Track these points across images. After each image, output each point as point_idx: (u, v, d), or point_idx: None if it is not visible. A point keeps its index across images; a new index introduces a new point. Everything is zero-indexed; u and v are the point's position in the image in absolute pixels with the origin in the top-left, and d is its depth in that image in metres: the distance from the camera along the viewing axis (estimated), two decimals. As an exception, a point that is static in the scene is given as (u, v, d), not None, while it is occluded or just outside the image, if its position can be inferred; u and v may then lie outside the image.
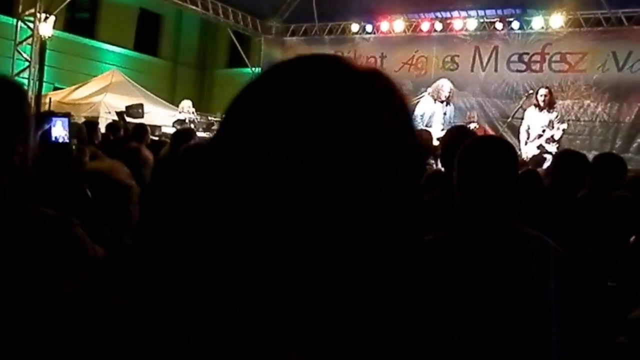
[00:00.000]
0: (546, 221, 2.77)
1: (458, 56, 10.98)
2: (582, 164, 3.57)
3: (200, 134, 7.42)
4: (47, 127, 1.90)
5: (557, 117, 7.82)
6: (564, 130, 7.80)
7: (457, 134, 2.85)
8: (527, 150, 7.90)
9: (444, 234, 1.81)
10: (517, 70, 10.42)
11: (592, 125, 9.53)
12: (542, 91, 7.91)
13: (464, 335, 1.58)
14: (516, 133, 9.67)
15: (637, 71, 9.43)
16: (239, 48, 13.45)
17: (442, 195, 2.72)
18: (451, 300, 1.60)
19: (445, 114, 7.74)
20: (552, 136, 7.68)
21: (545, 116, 7.79)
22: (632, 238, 2.10)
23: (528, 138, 7.93)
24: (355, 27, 12.05)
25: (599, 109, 9.63)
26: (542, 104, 7.77)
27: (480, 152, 1.81)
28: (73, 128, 2.11)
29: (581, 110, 9.50)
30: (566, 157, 3.69)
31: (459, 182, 1.81)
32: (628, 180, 3.63)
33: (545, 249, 1.67)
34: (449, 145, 2.72)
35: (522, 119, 8.45)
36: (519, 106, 9.27)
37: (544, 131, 7.75)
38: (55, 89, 13.10)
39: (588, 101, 9.59)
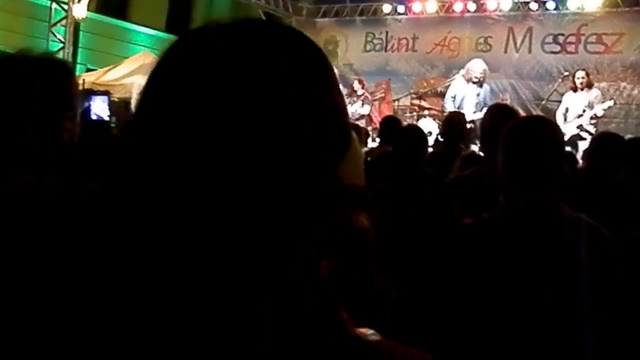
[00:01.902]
0: (581, 202, 2.74)
1: (491, 37, 10.79)
2: (620, 147, 3.51)
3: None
4: (87, 105, 1.94)
5: (596, 97, 7.74)
6: (608, 107, 7.72)
7: (500, 114, 2.80)
8: (566, 130, 7.84)
9: (487, 216, 1.79)
10: (552, 52, 10.20)
11: (628, 108, 9.30)
12: (580, 74, 7.85)
13: (510, 316, 1.58)
14: (550, 116, 9.52)
15: (675, 52, 9.18)
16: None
17: (475, 174, 2.71)
18: (498, 281, 1.61)
19: (478, 95, 7.65)
20: (594, 115, 7.60)
21: (584, 97, 7.73)
22: None
23: (565, 120, 7.88)
24: (387, 7, 11.92)
25: (635, 91, 9.39)
26: (579, 86, 7.71)
27: (529, 132, 1.78)
28: (113, 106, 2.16)
29: (617, 92, 9.25)
30: (603, 140, 3.63)
31: (505, 162, 1.78)
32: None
33: (593, 231, 1.66)
34: (492, 126, 2.68)
35: (559, 102, 8.36)
36: (554, 89, 9.13)
37: (584, 111, 7.67)
38: (88, 70, 13.26)
39: (624, 83, 9.36)
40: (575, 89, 7.85)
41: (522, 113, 9.72)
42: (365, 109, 10.40)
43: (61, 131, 1.32)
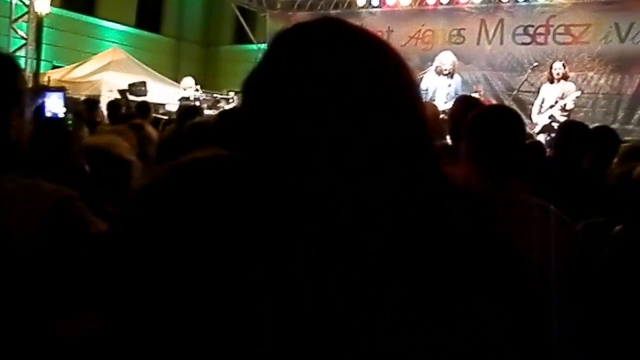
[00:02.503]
0: (549, 191, 2.77)
1: (464, 29, 10.87)
2: (585, 136, 3.57)
3: (206, 111, 7.39)
4: (40, 102, 1.89)
5: (570, 89, 7.90)
6: (576, 97, 7.86)
7: (465, 104, 2.83)
8: (539, 121, 7.99)
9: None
10: (523, 43, 10.32)
11: (595, 97, 9.46)
12: (557, 65, 8.00)
13: None
14: (522, 106, 9.65)
15: (639, 42, 9.34)
16: (244, 24, 13.32)
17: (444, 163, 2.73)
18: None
19: (449, 86, 7.69)
20: (564, 105, 7.73)
21: (559, 88, 7.87)
22: (618, 228, 2.07)
23: (540, 110, 8.02)
24: (361, 1, 11.92)
25: (602, 81, 9.55)
26: (556, 77, 7.86)
27: (491, 120, 1.81)
28: (69, 103, 2.11)
29: (584, 82, 9.39)
30: (569, 129, 3.68)
31: (468, 150, 1.80)
32: (625, 151, 3.61)
33: (553, 217, 1.68)
34: (458, 116, 2.70)
35: (531, 92, 8.45)
36: (524, 79, 9.25)
37: (556, 102, 7.81)
38: (54, 67, 13.02)
39: (591, 73, 9.51)
40: (552, 80, 8.00)
41: (494, 103, 9.91)
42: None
43: (8, 128, 1.28)
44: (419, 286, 0.61)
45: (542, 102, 8.09)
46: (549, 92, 8.06)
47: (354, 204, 0.61)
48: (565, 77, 7.98)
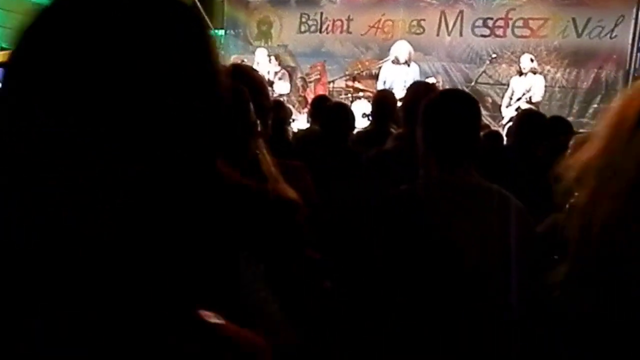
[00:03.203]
0: (506, 178, 2.81)
1: (424, 20, 10.93)
2: (541, 124, 3.64)
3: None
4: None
5: (538, 82, 8.10)
6: (541, 95, 8.06)
7: (420, 89, 2.85)
8: (507, 114, 8.15)
9: (407, 187, 1.83)
10: (482, 35, 10.44)
11: (552, 90, 9.67)
12: (524, 58, 8.21)
13: (432, 280, 1.63)
14: (480, 97, 9.80)
15: (595, 37, 9.59)
16: (201, 9, 13.09)
17: (395, 149, 2.75)
18: (418, 248, 1.65)
19: (406, 75, 7.76)
20: (529, 98, 7.92)
21: (528, 81, 8.05)
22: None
23: (510, 103, 8.20)
24: (322, -12, 11.86)
25: (559, 74, 9.77)
26: (524, 70, 8.06)
27: (446, 105, 1.82)
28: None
29: (542, 75, 9.60)
30: (526, 118, 3.76)
31: (424, 134, 1.82)
32: (578, 142, 3.70)
33: (506, 200, 1.71)
34: (412, 102, 2.72)
35: (488, 84, 8.54)
36: (482, 71, 9.40)
37: (523, 94, 7.99)
38: (2, 49, 12.55)
39: (548, 67, 9.71)
40: (520, 73, 8.22)
41: (450, 88, 10.02)
42: (284, 87, 10.42)
43: None
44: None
45: (512, 95, 8.27)
46: (517, 85, 8.26)
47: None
48: (533, 71, 8.18)
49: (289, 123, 4.80)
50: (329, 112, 3.52)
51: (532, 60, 8.30)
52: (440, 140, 1.74)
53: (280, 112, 3.83)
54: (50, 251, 0.52)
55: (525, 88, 8.14)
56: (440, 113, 1.78)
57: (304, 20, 12.08)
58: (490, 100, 9.97)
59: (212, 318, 0.61)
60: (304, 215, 1.61)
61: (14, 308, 0.51)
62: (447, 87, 10.24)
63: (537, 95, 8.13)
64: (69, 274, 0.52)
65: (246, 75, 2.07)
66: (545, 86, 8.92)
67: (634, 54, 9.32)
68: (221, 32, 12.89)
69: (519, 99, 8.15)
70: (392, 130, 4.09)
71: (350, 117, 3.55)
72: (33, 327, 0.51)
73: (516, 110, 7.97)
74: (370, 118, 4.34)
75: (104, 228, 0.53)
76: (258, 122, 1.58)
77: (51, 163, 0.51)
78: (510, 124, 7.50)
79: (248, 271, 1.28)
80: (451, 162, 1.73)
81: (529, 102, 8.00)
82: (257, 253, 1.34)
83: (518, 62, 8.48)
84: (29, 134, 0.50)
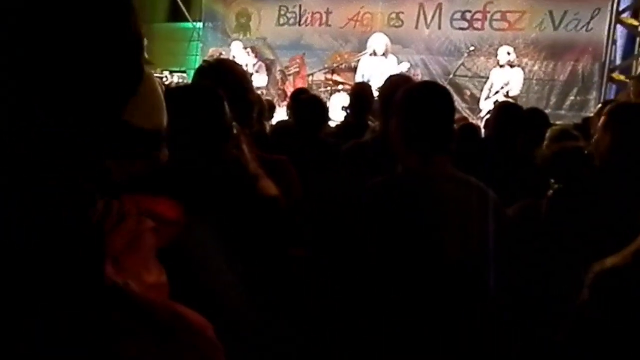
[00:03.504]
0: (483, 170, 2.82)
1: (403, 13, 10.93)
2: (518, 116, 3.66)
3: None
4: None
5: (517, 76, 8.15)
6: (519, 89, 8.12)
7: (395, 82, 2.84)
8: (485, 107, 8.20)
9: (384, 179, 1.83)
10: (460, 28, 10.48)
11: (530, 83, 9.75)
12: (501, 50, 8.26)
13: (412, 270, 1.63)
14: (458, 90, 9.85)
15: (571, 31, 9.68)
16: (179, 1, 12.95)
17: (372, 141, 2.74)
18: (398, 239, 1.66)
19: (384, 67, 7.78)
20: (507, 92, 7.98)
21: (507, 74, 8.10)
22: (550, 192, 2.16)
23: (489, 95, 8.25)
24: (300, -19, 11.79)
25: (536, 67, 9.86)
26: (502, 63, 8.12)
27: (418, 98, 1.82)
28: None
29: (519, 68, 9.68)
30: (503, 110, 3.77)
31: (399, 126, 1.82)
32: (555, 134, 3.73)
33: (480, 192, 1.71)
34: (389, 94, 2.72)
35: (467, 77, 8.60)
36: (460, 64, 9.44)
37: (502, 88, 8.04)
38: None
39: (526, 60, 9.77)
40: (501, 66, 8.28)
41: (425, 81, 10.04)
42: (261, 80, 10.39)
43: None
44: None
45: (491, 88, 8.33)
46: (496, 78, 8.32)
47: None
48: (511, 64, 8.23)
49: (267, 117, 4.76)
50: (302, 105, 3.52)
51: (509, 54, 8.36)
52: (417, 132, 1.74)
53: (258, 106, 3.78)
54: (50, 251, 0.52)
55: (503, 81, 8.20)
56: (417, 105, 1.77)
57: (282, 13, 12.02)
58: (469, 93, 10.02)
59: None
60: (287, 212, 1.59)
61: (14, 308, 0.51)
62: (426, 80, 10.30)
63: (516, 89, 8.18)
64: (69, 274, 0.52)
65: (229, 70, 2.04)
66: (524, 79, 8.99)
67: (610, 47, 9.43)
68: (199, 24, 12.77)
69: (497, 92, 8.21)
70: (371, 123, 4.08)
71: (324, 110, 3.55)
72: (33, 327, 0.51)
73: (494, 103, 8.02)
74: (349, 111, 4.33)
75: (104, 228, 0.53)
76: (235, 124, 1.55)
77: (51, 163, 0.50)
78: (489, 116, 7.60)
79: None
80: (427, 153, 1.73)
81: (507, 95, 8.06)
82: (239, 250, 1.32)
83: (496, 55, 8.54)
84: (29, 134, 0.50)
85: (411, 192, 1.71)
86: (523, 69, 8.99)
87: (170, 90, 1.49)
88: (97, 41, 0.53)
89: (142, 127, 0.64)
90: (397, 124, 1.80)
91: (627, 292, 1.01)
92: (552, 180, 2.28)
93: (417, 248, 1.66)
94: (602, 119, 2.06)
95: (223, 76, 1.93)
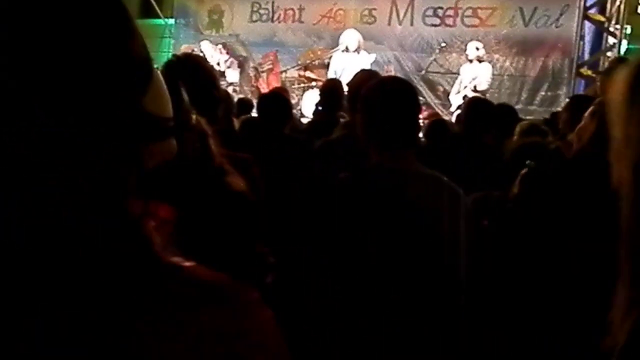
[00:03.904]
0: (454, 165, 2.82)
1: (375, 9, 10.94)
2: (489, 112, 3.68)
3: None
4: None
5: (485, 71, 8.22)
6: (488, 83, 8.20)
7: (362, 77, 2.84)
8: (454, 101, 8.27)
9: (350, 174, 1.82)
10: (432, 25, 10.53)
11: (501, 79, 9.86)
12: (470, 45, 8.33)
13: (374, 258, 1.62)
14: (431, 86, 9.90)
15: (541, 27, 9.81)
16: (150, -3, 12.78)
17: (343, 137, 2.73)
18: (358, 229, 1.65)
19: (356, 63, 7.79)
20: (475, 87, 8.06)
21: (475, 69, 8.17)
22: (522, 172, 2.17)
23: (459, 90, 8.32)
24: (272, -23, 11.72)
25: (507, 63, 9.97)
26: (470, 57, 8.19)
27: (380, 92, 1.81)
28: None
29: (491, 64, 9.77)
30: (474, 105, 3.79)
31: (363, 121, 1.82)
32: (524, 128, 3.76)
33: (443, 187, 1.71)
34: (357, 89, 2.71)
35: (439, 72, 8.68)
36: (431, 60, 9.49)
37: (470, 82, 8.12)
38: None
39: (497, 55, 9.88)
40: (470, 61, 8.36)
41: (389, 76, 10.07)
42: (233, 75, 10.32)
43: None
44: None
45: (460, 83, 8.40)
46: (465, 73, 8.39)
47: None
48: (479, 59, 8.31)
49: (236, 114, 4.73)
50: (265, 101, 3.52)
51: (477, 49, 8.43)
52: (378, 127, 1.73)
53: (226, 103, 3.75)
54: (50, 251, 0.52)
55: (472, 76, 8.28)
56: (378, 100, 1.77)
57: (255, 9, 11.94)
58: (441, 89, 10.08)
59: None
60: (255, 208, 1.57)
61: (14, 308, 0.51)
62: (399, 76, 10.33)
63: (484, 84, 8.26)
64: (69, 274, 0.53)
65: (196, 65, 2.02)
66: (495, 74, 9.08)
67: (578, 42, 9.57)
68: (171, 21, 12.63)
69: (465, 87, 8.30)
70: (342, 119, 4.07)
71: (286, 106, 3.55)
72: (33, 327, 0.51)
73: (463, 98, 8.10)
74: (320, 107, 4.31)
75: (104, 228, 0.53)
76: (194, 116, 1.52)
77: (51, 163, 0.50)
78: (459, 111, 7.67)
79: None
80: (390, 148, 1.72)
81: (475, 90, 8.14)
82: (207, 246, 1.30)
83: (465, 50, 8.62)
84: (29, 134, 0.49)
85: (370, 188, 1.70)
86: (494, 64, 9.08)
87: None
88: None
89: (158, 114, 0.64)
90: (361, 119, 1.80)
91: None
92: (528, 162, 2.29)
93: (376, 243, 1.65)
94: (591, 108, 2.07)
95: (189, 71, 1.90)
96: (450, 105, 8.74)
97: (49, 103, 0.49)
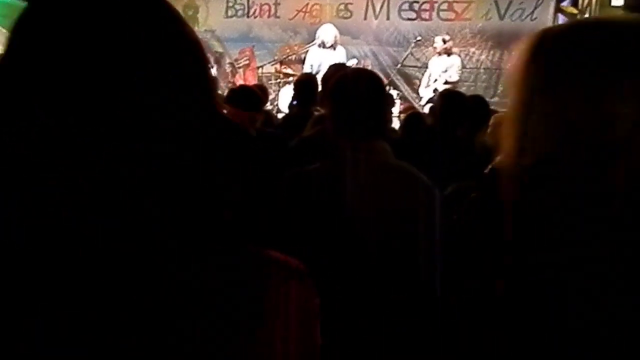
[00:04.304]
0: (429, 158, 2.80)
1: (351, 4, 10.92)
2: (462, 104, 3.67)
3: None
4: None
5: (453, 64, 8.26)
6: (458, 75, 8.25)
7: (332, 71, 2.82)
8: (425, 94, 8.30)
9: (320, 165, 1.81)
10: (408, 19, 10.54)
11: (477, 72, 9.91)
12: (437, 39, 8.37)
13: (339, 254, 1.60)
14: (408, 80, 9.92)
15: (516, 20, 9.88)
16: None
17: (317, 133, 2.71)
18: (329, 223, 1.63)
19: (333, 58, 7.77)
20: (445, 80, 8.10)
21: (444, 62, 8.21)
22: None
23: (428, 84, 8.36)
24: (247, -27, 11.63)
25: (483, 56, 10.02)
26: (437, 50, 8.22)
27: (345, 84, 1.80)
28: None
29: (467, 57, 9.81)
30: (447, 98, 3.78)
31: (331, 113, 1.81)
32: (498, 120, 3.76)
33: (410, 177, 1.70)
34: (326, 83, 2.70)
35: (416, 66, 8.77)
36: (407, 53, 9.51)
37: (440, 75, 8.16)
38: None
39: (473, 49, 9.93)
40: (439, 53, 8.40)
41: (383, 78, 10.12)
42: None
43: None
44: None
45: (430, 76, 8.45)
46: (435, 66, 8.43)
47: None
48: (448, 52, 8.34)
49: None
50: (234, 96, 3.50)
51: (444, 41, 8.49)
52: (344, 119, 1.72)
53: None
54: (50, 251, 0.52)
55: (441, 69, 8.34)
56: (342, 92, 1.76)
57: (230, 4, 11.84)
58: (418, 82, 10.08)
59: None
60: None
61: (14, 308, 0.52)
62: (376, 70, 10.33)
63: (454, 76, 8.32)
64: (69, 273, 0.53)
65: None
66: (471, 68, 9.13)
67: (553, 35, 9.63)
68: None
69: (435, 80, 8.35)
70: (316, 113, 4.04)
71: (257, 101, 3.53)
72: (33, 327, 0.52)
73: (434, 91, 8.15)
74: (294, 102, 4.28)
75: (104, 228, 0.54)
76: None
77: (51, 163, 0.51)
78: (430, 104, 7.71)
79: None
80: (356, 140, 1.71)
81: (446, 82, 8.19)
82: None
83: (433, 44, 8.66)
84: (29, 134, 0.51)
85: (337, 179, 1.69)
86: (470, 58, 9.13)
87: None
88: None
89: None
90: (328, 111, 1.79)
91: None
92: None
93: (342, 235, 1.64)
94: None
95: None
96: (421, 98, 8.77)
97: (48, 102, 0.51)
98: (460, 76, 8.57)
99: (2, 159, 0.51)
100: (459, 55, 8.84)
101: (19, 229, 0.51)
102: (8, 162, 0.51)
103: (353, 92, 1.73)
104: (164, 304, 0.56)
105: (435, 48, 8.55)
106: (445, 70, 8.29)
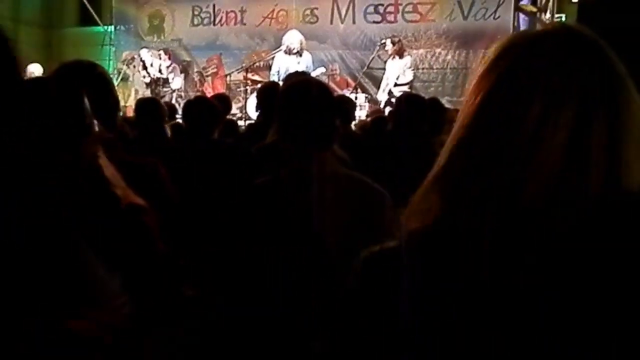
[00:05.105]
0: (392, 161, 2.80)
1: (317, 9, 10.96)
2: (421, 108, 3.70)
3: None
4: None
5: (406, 64, 8.32)
6: (412, 76, 8.33)
7: (290, 80, 2.83)
8: (380, 98, 8.40)
9: (271, 177, 1.80)
10: (374, 22, 10.62)
11: (444, 72, 10.01)
12: (387, 42, 8.48)
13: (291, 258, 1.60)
14: (375, 82, 9.98)
15: (480, 19, 10.00)
16: (87, 4, 12.48)
17: (273, 143, 2.71)
18: (276, 234, 1.63)
19: (299, 64, 7.78)
20: (402, 82, 8.19)
21: (397, 64, 8.28)
22: None
23: (385, 87, 8.45)
24: (212, -20, 11.59)
25: (449, 56, 10.12)
26: (392, 53, 8.31)
27: (297, 94, 1.80)
28: None
29: (433, 58, 9.91)
30: (406, 102, 3.81)
31: (279, 126, 1.81)
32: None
33: (361, 188, 1.70)
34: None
35: (383, 69, 8.85)
36: (373, 56, 9.57)
37: (397, 78, 8.23)
38: None
39: (439, 49, 10.03)
40: (392, 57, 8.46)
41: (351, 82, 10.19)
42: (177, 82, 10.23)
43: None
44: None
45: (387, 79, 8.54)
46: (389, 69, 8.55)
47: None
48: (399, 54, 8.46)
49: (167, 120, 4.66)
50: (190, 107, 3.50)
51: (393, 44, 8.60)
52: (291, 130, 1.72)
53: (158, 111, 3.70)
54: (50, 251, 0.54)
55: (395, 72, 8.45)
56: (290, 102, 1.75)
57: (196, 12, 11.79)
58: (384, 85, 10.17)
59: None
60: (153, 218, 1.51)
61: (14, 308, 0.52)
62: (344, 74, 10.37)
63: (409, 76, 8.44)
64: (69, 273, 0.54)
65: (93, 73, 1.95)
66: (437, 68, 9.21)
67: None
68: (111, 28, 12.35)
69: (388, 84, 8.49)
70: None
71: (213, 111, 3.54)
72: (33, 327, 0.52)
73: (388, 94, 8.26)
74: (256, 110, 4.26)
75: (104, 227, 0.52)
76: (95, 122, 1.47)
77: (51, 163, 0.52)
78: (389, 108, 7.77)
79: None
80: (304, 150, 1.70)
81: (396, 84, 8.29)
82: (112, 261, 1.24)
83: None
84: (29, 134, 0.50)
85: (287, 191, 1.68)
86: (437, 58, 9.22)
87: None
88: None
89: None
90: (277, 122, 1.78)
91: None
92: None
93: (294, 246, 1.64)
94: None
95: (88, 76, 1.84)
96: (379, 102, 8.84)
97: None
98: (425, 76, 8.67)
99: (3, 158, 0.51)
100: (433, 57, 8.94)
101: (19, 229, 0.51)
102: (8, 161, 0.52)
103: (298, 102, 1.72)
104: None
105: (387, 51, 8.64)
106: (402, 72, 8.40)
